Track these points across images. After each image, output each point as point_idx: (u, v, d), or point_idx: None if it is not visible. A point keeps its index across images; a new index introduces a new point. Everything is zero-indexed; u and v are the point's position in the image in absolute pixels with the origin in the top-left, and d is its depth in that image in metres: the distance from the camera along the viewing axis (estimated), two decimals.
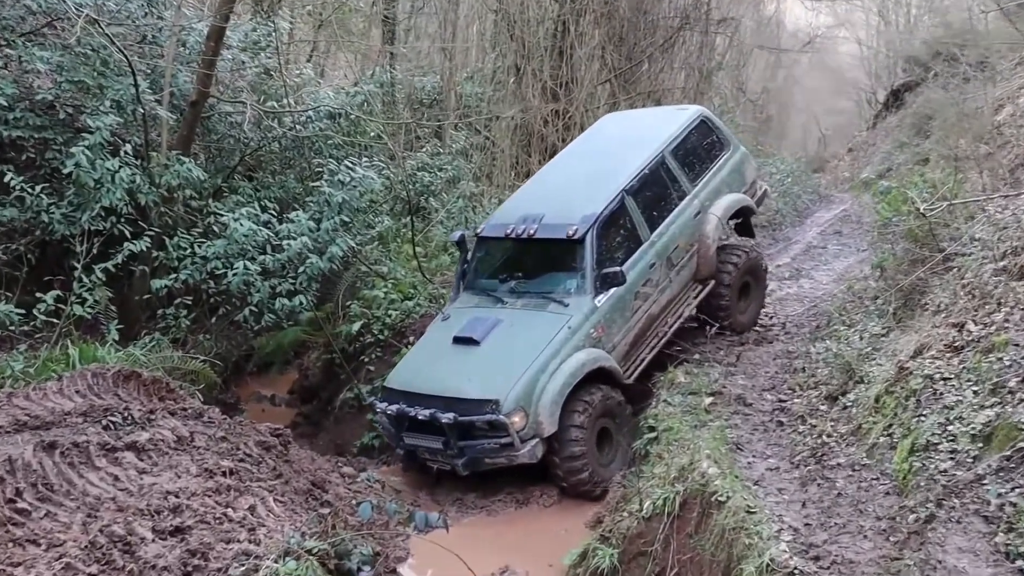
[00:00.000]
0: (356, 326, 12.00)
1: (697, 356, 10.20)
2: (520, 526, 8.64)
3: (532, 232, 9.79)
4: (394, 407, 9.04)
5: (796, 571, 5.32)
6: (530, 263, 10.09)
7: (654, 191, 10.25)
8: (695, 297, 10.52)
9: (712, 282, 10.60)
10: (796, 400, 8.58)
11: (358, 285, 13.20)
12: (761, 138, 31.13)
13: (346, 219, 12.13)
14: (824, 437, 7.38)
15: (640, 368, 9.79)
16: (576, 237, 9.41)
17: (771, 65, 36.84)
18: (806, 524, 5.97)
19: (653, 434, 8.78)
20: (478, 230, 10.62)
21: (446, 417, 8.56)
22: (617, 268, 9.28)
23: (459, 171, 16.02)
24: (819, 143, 39.80)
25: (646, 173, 10.21)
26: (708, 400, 8.91)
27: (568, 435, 8.69)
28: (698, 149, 10.90)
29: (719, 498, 6.45)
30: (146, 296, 10.92)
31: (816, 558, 5.46)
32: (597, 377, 9.12)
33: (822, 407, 8.09)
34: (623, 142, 11.16)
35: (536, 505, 8.97)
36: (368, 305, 12.36)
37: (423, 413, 8.74)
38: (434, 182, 15.42)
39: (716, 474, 6.81)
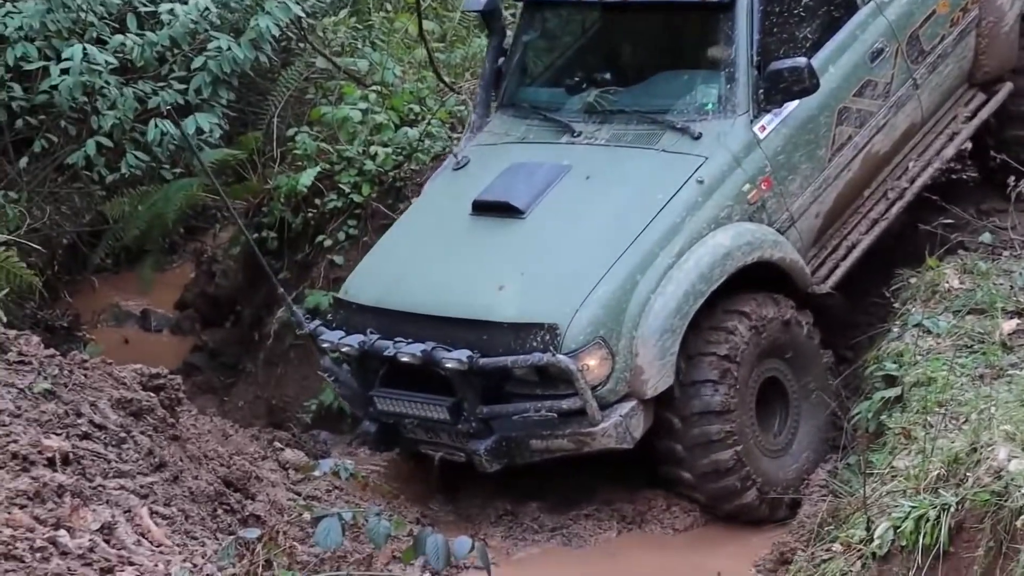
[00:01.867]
0: (306, 177, 12.07)
1: (984, 236, 10.06)
2: (626, 568, 8.80)
3: None
4: (355, 340, 9.19)
5: None
6: (628, 52, 10.20)
7: None
8: (968, 118, 10.44)
9: (1009, 85, 10.53)
10: None
11: (310, 96, 13.28)
12: None
13: None
14: None
15: (848, 265, 9.90)
16: None
17: None
18: None
19: (894, 391, 8.82)
20: None
21: (456, 358, 8.67)
22: (802, 60, 9.22)
23: None
24: None
25: None
26: (1009, 326, 8.88)
27: (698, 397, 8.82)
28: None
29: None
30: None
31: None
32: (757, 280, 9.23)
33: None
34: None
35: (656, 527, 9.19)
36: (330, 136, 12.47)
37: (411, 351, 8.85)
38: None
39: None
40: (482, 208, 9.43)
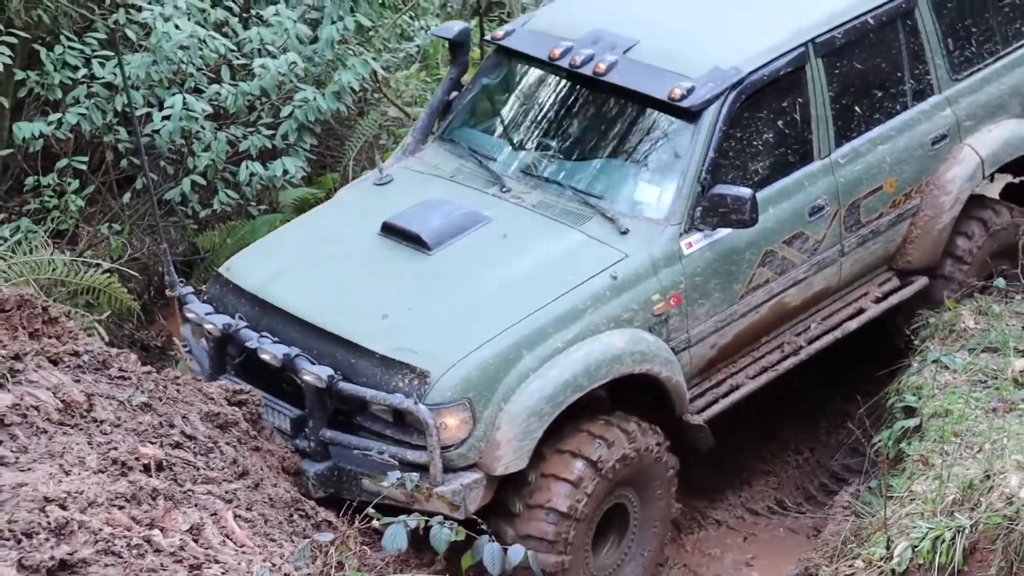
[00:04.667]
0: None
1: (999, 280, 10.05)
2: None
3: (602, 69, 8.93)
4: (220, 321, 8.50)
5: None
6: (579, 126, 9.37)
7: (872, 64, 9.53)
8: (877, 299, 9.83)
9: (925, 280, 9.94)
10: None
11: (383, 142, 13.22)
12: None
13: (365, 21, 12.10)
14: None
15: (727, 404, 9.04)
16: (687, 104, 8.58)
17: None
18: None
19: (913, 421, 8.82)
20: (500, 33, 10.00)
21: (316, 373, 7.92)
22: (747, 191, 8.33)
23: None
24: None
25: (867, 20, 9.37)
26: (1020, 363, 8.85)
27: (552, 492, 7.99)
28: (984, 10, 10.03)
29: None
30: (3, 152, 11.03)
31: None
32: (635, 392, 8.55)
33: None
34: None
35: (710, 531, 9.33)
36: None
37: (273, 351, 8.14)
38: None
39: None
40: (391, 231, 8.69)
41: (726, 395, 8.93)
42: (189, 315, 8.75)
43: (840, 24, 9.18)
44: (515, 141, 9.40)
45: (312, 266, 8.76)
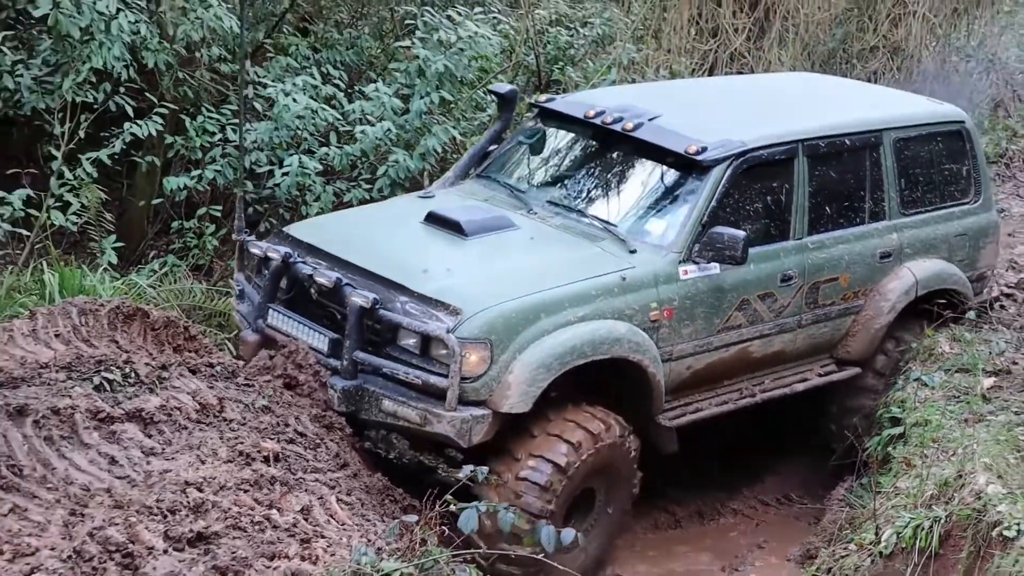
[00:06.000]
0: None
1: (970, 313, 9.99)
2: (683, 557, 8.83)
3: (630, 127, 8.91)
4: (282, 249, 8.29)
5: None
6: (602, 176, 9.33)
7: (843, 176, 9.46)
8: (821, 374, 9.51)
9: (859, 370, 9.67)
10: None
11: None
12: None
13: (448, 97, 12.13)
14: None
15: (694, 419, 8.66)
16: (700, 158, 8.53)
17: None
18: None
19: (898, 429, 8.75)
20: (543, 98, 10.08)
21: (362, 295, 7.66)
22: (741, 233, 8.26)
23: (612, 27, 15.83)
24: None
25: (844, 141, 9.41)
26: (988, 382, 8.80)
27: (548, 448, 7.68)
28: (931, 168, 10.03)
29: (1004, 531, 6.38)
30: (155, 201, 11.14)
31: None
32: (618, 382, 8.23)
33: None
34: (820, 96, 10.80)
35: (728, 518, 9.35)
36: None
37: (328, 275, 7.89)
38: (574, 43, 15.27)
39: (1000, 495, 6.74)
40: (434, 220, 8.55)
41: (693, 412, 8.62)
42: (254, 250, 8.50)
43: (825, 135, 9.22)
44: (543, 183, 9.31)
45: (362, 232, 8.67)
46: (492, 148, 9.78)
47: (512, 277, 7.88)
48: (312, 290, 8.04)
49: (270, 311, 8.19)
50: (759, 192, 8.85)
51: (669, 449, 8.42)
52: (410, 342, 7.58)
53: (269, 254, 8.25)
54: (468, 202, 8.91)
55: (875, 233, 9.49)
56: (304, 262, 8.11)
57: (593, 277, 7.92)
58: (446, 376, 7.31)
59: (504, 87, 10.11)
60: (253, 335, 8.24)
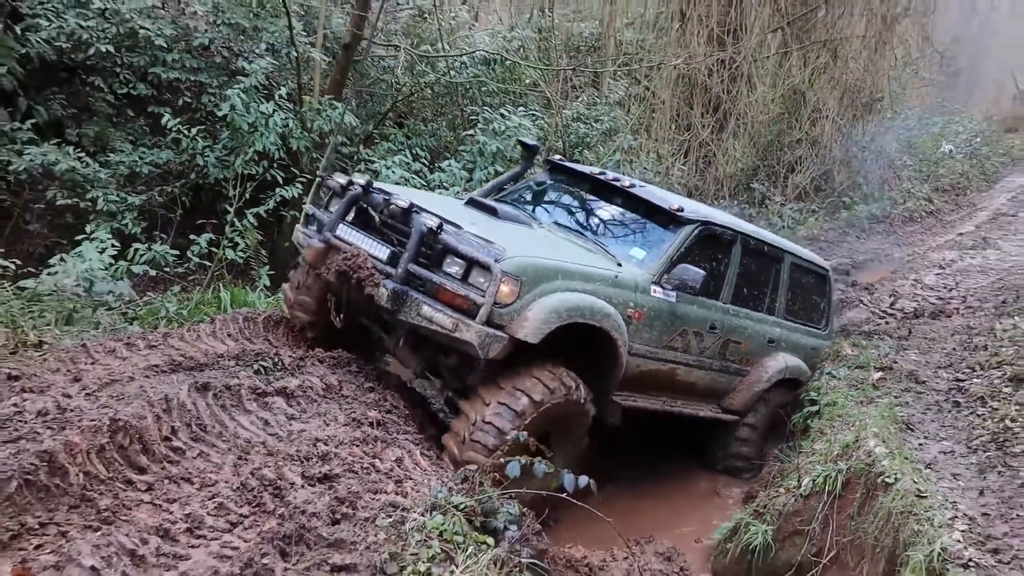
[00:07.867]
0: None
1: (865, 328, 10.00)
2: (665, 501, 8.73)
3: (627, 184, 8.66)
4: (363, 179, 7.65)
5: (971, 563, 5.20)
6: (597, 215, 8.80)
7: (758, 274, 9.22)
8: (708, 413, 9.03)
9: (736, 419, 9.26)
10: (976, 380, 8.34)
11: None
12: (947, 93, 29.88)
13: (500, 169, 12.21)
14: (1007, 422, 7.17)
15: (633, 406, 8.15)
16: (680, 214, 8.32)
17: (965, 11, 35.15)
18: (984, 514, 5.81)
19: (814, 407, 8.75)
20: (557, 156, 9.69)
21: (428, 217, 7.12)
22: (702, 272, 7.98)
23: (616, 123, 15.92)
24: (1014, 101, 37.87)
25: (765, 250, 9.24)
26: (877, 375, 8.76)
27: (529, 385, 7.08)
28: (805, 294, 9.84)
29: (886, 479, 6.36)
30: None
31: (995, 551, 5.32)
32: (590, 353, 7.69)
33: (1006, 389, 7.87)
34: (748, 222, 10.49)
35: (689, 481, 9.06)
36: None
37: (403, 200, 7.31)
38: (590, 134, 15.35)
39: (884, 454, 6.71)
40: (473, 204, 8.31)
41: (633, 401, 8.11)
42: (340, 180, 7.82)
43: (756, 237, 9.06)
44: (549, 212, 8.86)
45: (423, 197, 8.21)
46: (508, 185, 9.46)
47: (537, 248, 7.38)
48: (378, 217, 7.42)
49: (340, 226, 7.49)
50: (709, 256, 8.60)
51: (613, 421, 7.98)
52: (454, 269, 6.96)
53: (354, 179, 7.69)
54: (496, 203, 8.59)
55: (768, 322, 9.26)
56: (380, 190, 7.61)
57: (595, 266, 7.53)
58: (483, 289, 6.79)
59: (531, 141, 9.62)
60: (320, 244, 7.44)
